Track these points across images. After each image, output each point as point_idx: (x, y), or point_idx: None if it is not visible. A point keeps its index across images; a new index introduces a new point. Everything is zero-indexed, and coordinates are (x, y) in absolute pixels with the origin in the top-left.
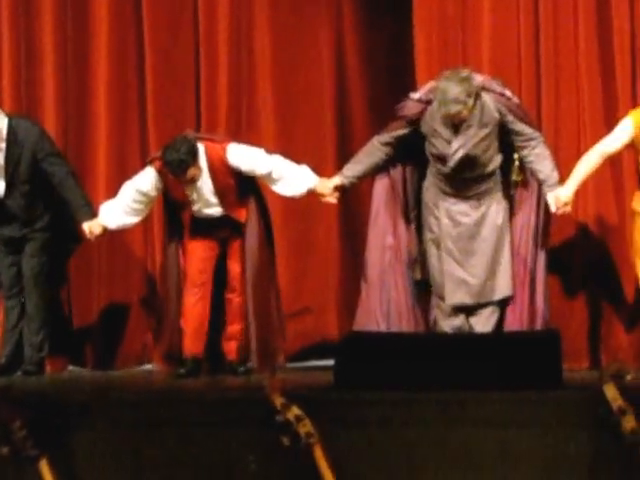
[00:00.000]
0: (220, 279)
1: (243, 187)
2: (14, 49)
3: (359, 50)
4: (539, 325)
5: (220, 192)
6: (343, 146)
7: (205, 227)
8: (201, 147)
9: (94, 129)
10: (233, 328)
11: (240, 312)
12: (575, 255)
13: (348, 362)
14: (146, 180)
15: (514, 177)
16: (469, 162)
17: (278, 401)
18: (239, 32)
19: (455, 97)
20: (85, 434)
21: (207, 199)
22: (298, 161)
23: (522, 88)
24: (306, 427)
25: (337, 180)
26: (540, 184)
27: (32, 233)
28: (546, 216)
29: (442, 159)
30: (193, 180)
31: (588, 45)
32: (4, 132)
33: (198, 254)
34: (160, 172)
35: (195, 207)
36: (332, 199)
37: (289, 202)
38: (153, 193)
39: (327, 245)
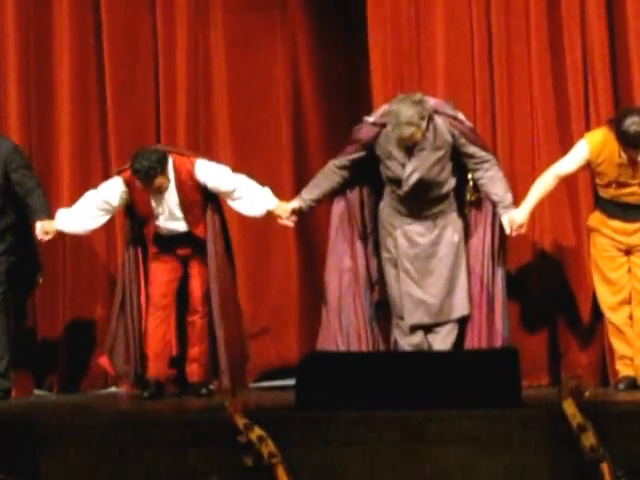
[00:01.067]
0: (181, 300)
1: (206, 203)
2: None
3: (315, 73)
4: (498, 344)
5: (185, 206)
6: (300, 168)
7: (167, 245)
8: (170, 159)
9: (57, 144)
10: (195, 350)
11: (203, 333)
12: (532, 274)
13: (309, 382)
14: (112, 189)
15: (468, 197)
16: (423, 185)
17: (240, 422)
18: (197, 51)
19: (408, 120)
20: (50, 458)
21: (172, 212)
22: (256, 183)
23: (476, 110)
24: (269, 447)
25: (295, 204)
26: (494, 206)
27: None
28: (502, 235)
29: (397, 182)
30: (160, 190)
31: (541, 67)
32: None
33: (161, 277)
34: (127, 183)
35: (159, 220)
36: (289, 222)
37: (247, 221)
38: (116, 203)
39: (285, 264)
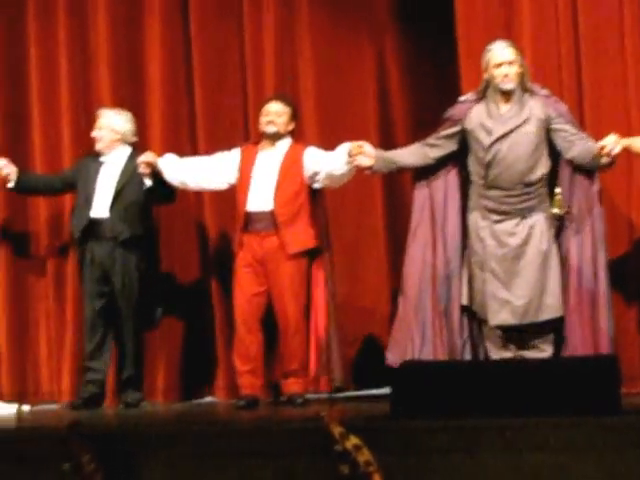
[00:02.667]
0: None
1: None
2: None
3: (402, 81)
4: (604, 343)
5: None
6: (389, 174)
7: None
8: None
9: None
10: (291, 363)
11: (300, 348)
12: (632, 270)
13: (404, 390)
14: (231, 152)
15: (557, 210)
16: (510, 160)
17: (336, 430)
18: (283, 53)
19: (508, 52)
20: (152, 466)
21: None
22: None
23: (564, 97)
24: (364, 456)
25: (372, 150)
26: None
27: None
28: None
29: (485, 163)
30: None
31: (634, 42)
32: None
33: (249, 289)
34: (242, 151)
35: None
36: (365, 160)
37: (337, 223)
38: (230, 165)
39: (377, 267)
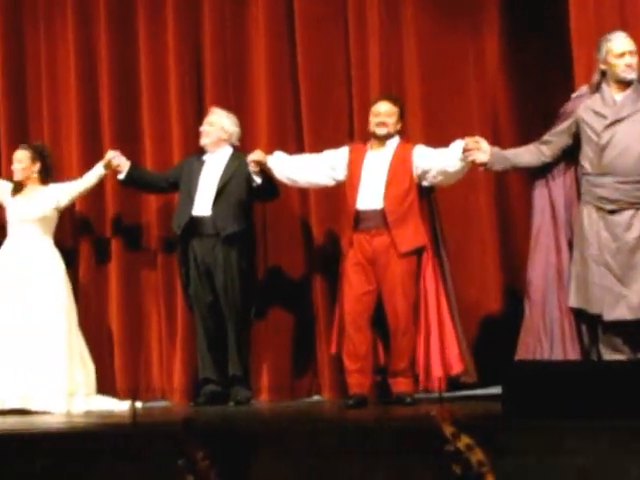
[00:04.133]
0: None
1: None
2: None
3: (508, 77)
4: None
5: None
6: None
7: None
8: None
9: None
10: (400, 363)
11: (410, 347)
12: None
13: (517, 390)
14: (340, 151)
15: None
16: (625, 147)
17: (448, 430)
18: (389, 50)
19: (629, 42)
20: (262, 463)
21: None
22: None
23: None
24: (477, 455)
25: (488, 147)
26: None
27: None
28: None
29: (597, 148)
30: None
31: None
32: None
33: (359, 288)
34: (350, 149)
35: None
36: (480, 156)
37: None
38: (339, 162)
39: (483, 269)
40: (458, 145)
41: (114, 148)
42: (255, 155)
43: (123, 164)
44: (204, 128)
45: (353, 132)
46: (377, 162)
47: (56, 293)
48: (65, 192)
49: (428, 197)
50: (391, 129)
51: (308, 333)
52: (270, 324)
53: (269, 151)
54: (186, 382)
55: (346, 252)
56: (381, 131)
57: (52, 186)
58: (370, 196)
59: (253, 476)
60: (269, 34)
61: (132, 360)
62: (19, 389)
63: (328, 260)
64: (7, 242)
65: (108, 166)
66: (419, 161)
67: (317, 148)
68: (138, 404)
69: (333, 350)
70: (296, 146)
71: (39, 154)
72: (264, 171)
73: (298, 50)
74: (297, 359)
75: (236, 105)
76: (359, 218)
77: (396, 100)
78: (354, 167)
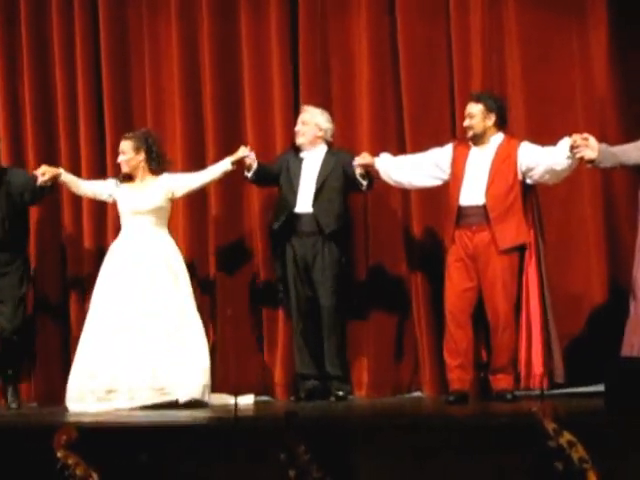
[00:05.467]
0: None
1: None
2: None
3: (610, 62)
4: None
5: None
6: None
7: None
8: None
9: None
10: (500, 359)
11: (510, 344)
12: None
13: (619, 387)
14: (444, 149)
15: None
16: None
17: (550, 426)
18: (491, 51)
19: None
20: (364, 458)
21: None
22: None
23: None
24: (579, 452)
25: (596, 143)
26: None
27: None
28: None
29: None
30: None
31: None
32: None
33: (460, 284)
34: (454, 147)
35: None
36: (590, 152)
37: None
38: (445, 160)
39: (586, 266)
40: (565, 142)
41: (217, 142)
42: (363, 159)
43: (254, 163)
44: (299, 128)
45: (455, 127)
46: (480, 158)
47: (181, 283)
48: (182, 183)
49: (531, 194)
50: (477, 129)
51: (409, 329)
52: (371, 321)
53: (371, 148)
54: (286, 377)
55: (448, 248)
56: (467, 134)
57: (165, 176)
58: (473, 192)
59: (353, 471)
60: (370, 31)
61: (235, 356)
62: (156, 383)
63: (429, 257)
64: (121, 235)
65: (238, 163)
66: (525, 158)
67: (419, 144)
68: (249, 399)
69: None
70: (397, 143)
71: (143, 142)
72: (369, 173)
73: (400, 46)
74: (397, 355)
75: (338, 103)
76: (461, 214)
77: (478, 98)
78: (458, 164)
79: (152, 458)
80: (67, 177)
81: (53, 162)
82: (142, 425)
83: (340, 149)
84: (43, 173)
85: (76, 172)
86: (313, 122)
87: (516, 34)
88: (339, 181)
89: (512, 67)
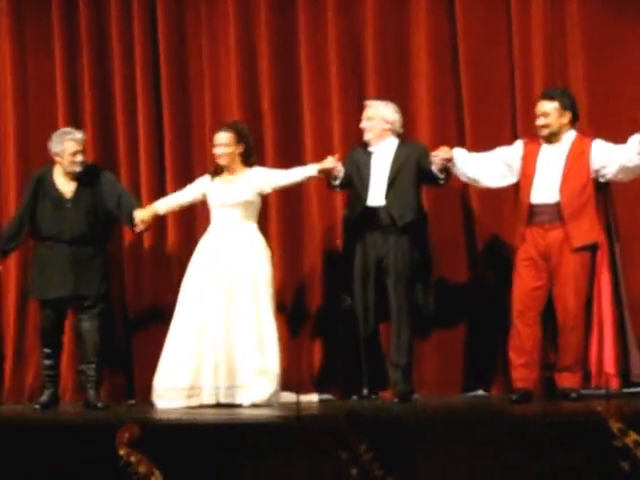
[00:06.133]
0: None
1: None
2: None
3: None
4: None
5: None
6: None
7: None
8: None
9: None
10: (567, 358)
11: (578, 343)
12: None
13: None
14: (514, 146)
15: None
16: None
17: (615, 426)
18: (552, 53)
19: None
20: (426, 456)
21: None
22: None
23: None
24: None
25: None
26: None
27: None
28: None
29: None
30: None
31: None
32: None
33: (530, 283)
34: (524, 144)
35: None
36: None
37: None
38: (515, 158)
39: None
40: (636, 139)
41: (274, 139)
42: (444, 153)
43: (341, 172)
44: (364, 124)
45: (515, 121)
46: (553, 156)
47: (261, 284)
48: (271, 180)
49: (604, 192)
50: (553, 127)
51: (478, 327)
52: (439, 318)
53: (429, 143)
54: (343, 375)
55: (518, 246)
56: (542, 133)
57: (256, 169)
58: (545, 190)
59: (416, 469)
60: (430, 23)
61: (295, 354)
62: (233, 382)
63: (493, 255)
64: (210, 228)
65: (324, 172)
66: (598, 156)
67: (478, 138)
68: (313, 397)
69: None
70: (457, 135)
71: (242, 135)
72: (447, 167)
73: (459, 39)
74: (464, 353)
75: (397, 95)
76: (533, 212)
77: (552, 95)
78: (529, 161)
79: (214, 455)
80: (163, 209)
81: (111, 158)
82: (206, 423)
83: (411, 141)
84: (142, 220)
85: (134, 169)
86: (378, 116)
87: (579, 28)
88: (412, 173)
89: (574, 62)
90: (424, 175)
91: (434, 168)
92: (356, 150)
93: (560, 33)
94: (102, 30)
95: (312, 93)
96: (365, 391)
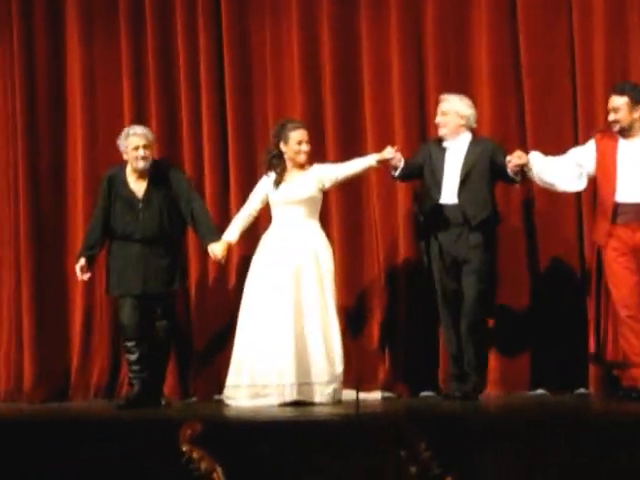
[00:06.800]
0: None
1: None
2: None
3: None
4: None
5: None
6: None
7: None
8: None
9: None
10: None
11: None
12: None
13: None
14: (587, 146)
15: None
16: None
17: None
18: (614, 53)
19: None
20: (484, 455)
21: None
22: None
23: None
24: None
25: None
26: None
27: None
28: None
29: None
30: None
31: None
32: None
33: (629, 280)
34: (597, 141)
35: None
36: None
37: None
38: (588, 160)
39: None
40: None
41: (336, 137)
42: (519, 159)
43: (401, 162)
44: (439, 119)
45: (577, 125)
46: (631, 152)
47: (326, 281)
48: (330, 175)
49: None
50: (624, 123)
51: (575, 325)
52: (536, 315)
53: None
54: (405, 373)
55: (604, 244)
56: (613, 128)
57: (316, 166)
58: (631, 188)
59: (477, 469)
60: (492, 26)
61: (357, 352)
62: (298, 381)
63: (562, 251)
64: (272, 225)
65: (383, 162)
66: None
67: (539, 140)
68: (376, 395)
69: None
70: (519, 134)
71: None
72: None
73: (521, 42)
74: (532, 351)
75: (457, 91)
76: (618, 211)
77: (622, 90)
78: (607, 158)
79: (275, 452)
80: (236, 236)
81: (175, 156)
82: (265, 420)
83: (484, 137)
84: (221, 256)
85: (199, 166)
86: (453, 111)
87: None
88: (485, 171)
89: (636, 56)
90: (498, 172)
91: (509, 171)
92: (429, 145)
93: (622, 39)
94: (167, 30)
95: (373, 89)
96: (453, 389)
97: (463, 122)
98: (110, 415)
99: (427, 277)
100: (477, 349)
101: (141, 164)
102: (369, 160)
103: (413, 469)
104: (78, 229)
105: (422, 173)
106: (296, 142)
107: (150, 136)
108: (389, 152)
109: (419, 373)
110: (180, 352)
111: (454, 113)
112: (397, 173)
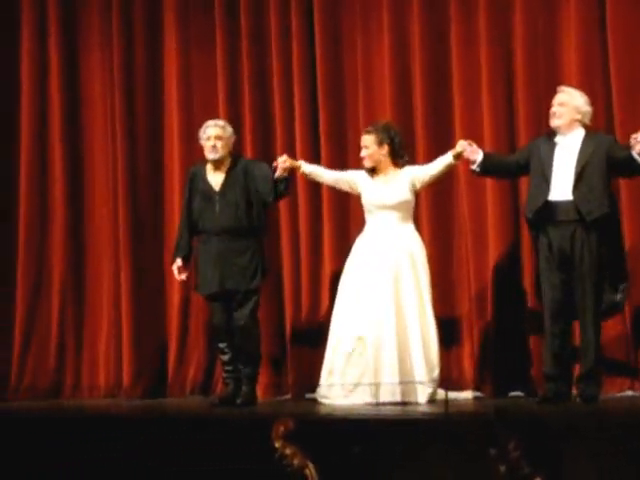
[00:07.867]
0: None
1: None
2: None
3: None
4: None
5: None
6: None
7: None
8: None
9: None
10: None
11: None
12: None
13: None
14: None
15: None
16: None
17: None
18: None
19: None
20: (574, 457)
21: None
22: None
23: None
24: None
25: None
26: None
27: None
28: None
29: None
30: None
31: None
32: None
33: None
34: None
35: None
36: None
37: None
38: None
39: None
40: None
41: (426, 139)
42: None
43: (479, 156)
44: (555, 109)
45: None
46: None
47: (422, 284)
48: (419, 177)
49: None
50: None
51: None
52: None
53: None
54: (494, 373)
55: None
56: None
57: (407, 169)
58: None
59: (566, 470)
60: (580, 30)
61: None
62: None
63: None
64: (367, 229)
65: (458, 157)
66: None
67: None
68: (468, 395)
69: None
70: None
71: (386, 135)
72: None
73: (609, 44)
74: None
75: (545, 95)
76: None
77: None
78: None
79: (365, 450)
80: (308, 168)
81: (268, 153)
82: (357, 418)
83: (600, 132)
84: (285, 161)
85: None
86: (572, 104)
87: None
88: (601, 166)
89: None
90: (618, 166)
91: (634, 152)
92: (539, 140)
93: None
94: (261, 28)
95: (463, 91)
96: (549, 394)
97: (579, 117)
98: (205, 412)
99: (535, 274)
100: (595, 349)
101: (211, 155)
102: (447, 157)
103: (502, 468)
104: (175, 227)
105: (517, 171)
106: None
107: (224, 129)
108: (461, 144)
109: (508, 373)
110: (272, 350)
111: (572, 107)
112: (475, 167)
